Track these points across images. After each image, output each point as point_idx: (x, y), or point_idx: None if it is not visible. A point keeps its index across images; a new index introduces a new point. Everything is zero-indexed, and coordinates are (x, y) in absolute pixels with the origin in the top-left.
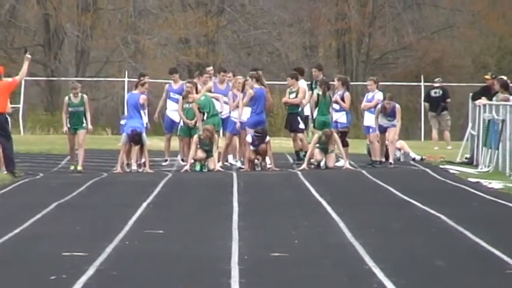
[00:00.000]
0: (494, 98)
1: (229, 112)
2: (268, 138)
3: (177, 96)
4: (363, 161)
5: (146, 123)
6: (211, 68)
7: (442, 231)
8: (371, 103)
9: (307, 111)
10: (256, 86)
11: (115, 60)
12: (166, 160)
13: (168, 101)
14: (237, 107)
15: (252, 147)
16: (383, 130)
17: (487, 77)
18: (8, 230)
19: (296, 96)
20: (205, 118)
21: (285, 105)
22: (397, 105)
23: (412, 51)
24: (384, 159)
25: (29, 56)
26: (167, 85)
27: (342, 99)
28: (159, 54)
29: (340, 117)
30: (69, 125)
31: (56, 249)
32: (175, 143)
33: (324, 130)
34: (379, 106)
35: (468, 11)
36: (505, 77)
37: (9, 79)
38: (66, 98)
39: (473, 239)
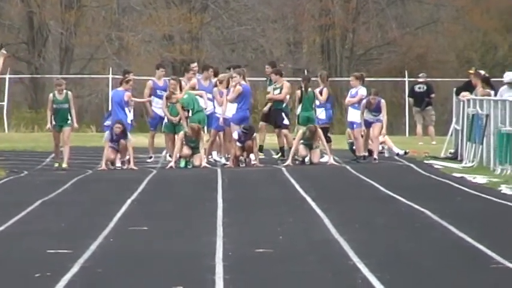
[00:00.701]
0: (473, 93)
1: (214, 108)
2: (255, 134)
3: (163, 92)
4: (347, 157)
5: (131, 121)
6: (195, 64)
7: (427, 227)
8: (354, 98)
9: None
10: (243, 82)
11: (99, 57)
12: (151, 157)
13: (155, 98)
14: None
15: (238, 144)
16: (368, 125)
17: (471, 71)
18: None
19: (280, 92)
20: (190, 115)
21: (269, 101)
22: (382, 101)
23: (396, 47)
24: (367, 154)
25: (5, 52)
26: (150, 82)
27: (321, 94)
28: (143, 51)
29: (320, 113)
30: (54, 122)
31: (41, 247)
32: (159, 140)
33: (308, 126)
34: (364, 101)
35: (452, 6)
36: (482, 72)
37: None
38: (51, 94)
39: (458, 234)
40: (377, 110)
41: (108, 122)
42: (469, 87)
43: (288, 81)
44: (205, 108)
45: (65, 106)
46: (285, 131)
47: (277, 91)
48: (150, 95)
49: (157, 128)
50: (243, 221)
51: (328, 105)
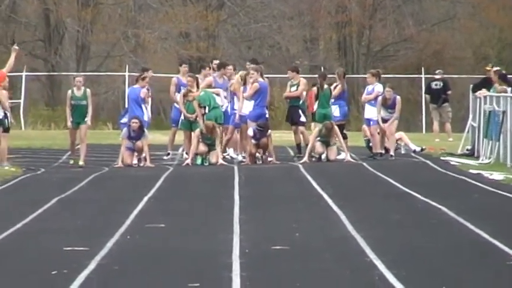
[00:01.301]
0: (491, 90)
1: (233, 104)
2: (270, 131)
3: None
4: (363, 154)
5: (148, 118)
6: (217, 61)
7: (443, 223)
8: (371, 95)
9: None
10: (260, 79)
11: (115, 55)
12: (168, 154)
13: (178, 95)
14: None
15: (253, 141)
16: (384, 122)
17: (488, 68)
18: (9, 225)
19: (297, 89)
20: (206, 111)
21: (286, 99)
22: (398, 97)
23: (413, 43)
24: (384, 151)
25: (16, 48)
26: (175, 78)
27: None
28: (159, 48)
29: (334, 111)
30: (71, 119)
31: (57, 244)
32: (179, 137)
33: (325, 123)
34: (379, 99)
35: (468, 3)
36: (497, 68)
37: None
38: (69, 91)
39: (474, 231)
40: (393, 106)
41: (124, 120)
42: (486, 84)
43: (304, 78)
44: (222, 106)
45: (83, 103)
46: (301, 128)
47: (294, 88)
48: (175, 92)
49: (179, 125)
50: (260, 218)
51: (342, 102)
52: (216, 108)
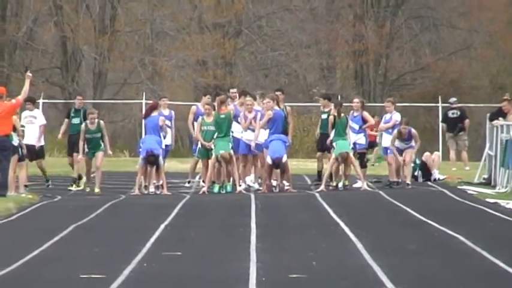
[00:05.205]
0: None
1: (241, 132)
2: (285, 158)
3: None
4: (380, 182)
5: (167, 145)
6: (235, 90)
7: (460, 252)
8: (388, 124)
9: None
10: (276, 107)
11: (132, 82)
12: (189, 181)
13: (195, 124)
14: (249, 128)
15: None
16: (400, 153)
17: (506, 97)
18: (26, 252)
19: (328, 117)
20: (216, 136)
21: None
22: (413, 130)
23: (430, 72)
24: (400, 180)
25: (30, 75)
26: (194, 107)
27: (364, 120)
28: (176, 76)
29: (360, 139)
30: (87, 150)
31: (74, 272)
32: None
33: (340, 151)
34: (395, 132)
35: (485, 32)
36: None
37: (13, 100)
38: (83, 125)
39: (491, 259)
40: (408, 138)
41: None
42: (503, 113)
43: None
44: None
45: (97, 135)
46: (329, 155)
47: (325, 115)
48: (192, 121)
49: (196, 153)
50: (277, 247)
51: (366, 131)
52: (227, 136)
